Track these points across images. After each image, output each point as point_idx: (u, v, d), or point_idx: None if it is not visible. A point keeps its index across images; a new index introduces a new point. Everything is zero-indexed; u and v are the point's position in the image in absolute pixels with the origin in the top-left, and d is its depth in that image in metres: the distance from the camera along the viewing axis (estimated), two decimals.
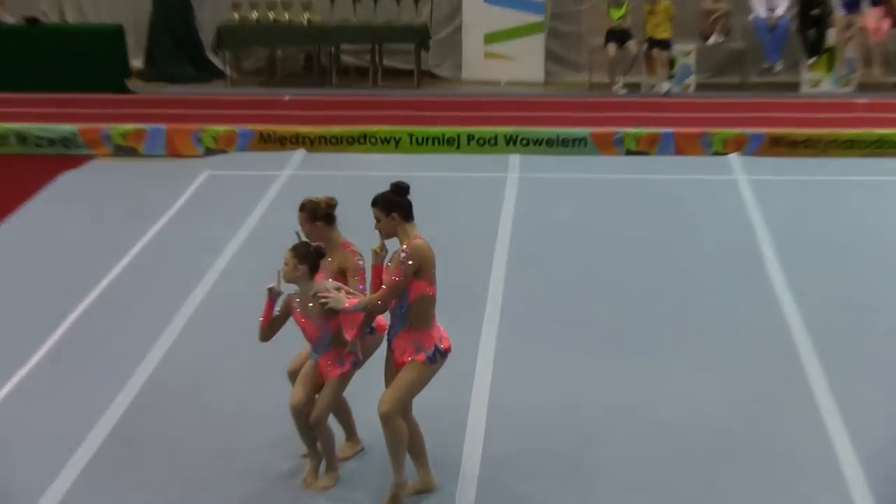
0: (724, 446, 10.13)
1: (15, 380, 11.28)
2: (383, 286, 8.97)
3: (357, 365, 9.53)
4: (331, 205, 10.10)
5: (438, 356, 9.06)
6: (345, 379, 9.47)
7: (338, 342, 9.40)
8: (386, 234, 8.98)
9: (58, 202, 16.69)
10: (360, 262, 10.00)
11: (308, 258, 9.13)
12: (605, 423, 10.70)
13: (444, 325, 10.50)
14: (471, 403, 11.05)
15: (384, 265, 9.19)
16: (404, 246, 8.94)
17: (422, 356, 8.95)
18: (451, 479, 9.67)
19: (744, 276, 14.16)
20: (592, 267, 14.44)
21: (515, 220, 15.90)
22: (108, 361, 11.68)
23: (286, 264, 8.95)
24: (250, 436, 10.34)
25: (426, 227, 14.38)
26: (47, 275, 14.02)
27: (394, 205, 9.07)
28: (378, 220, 9.01)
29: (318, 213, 10.00)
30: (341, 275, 9.98)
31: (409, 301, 8.85)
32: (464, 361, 11.44)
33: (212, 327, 12.59)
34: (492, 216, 15.97)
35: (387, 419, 8.96)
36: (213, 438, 10.38)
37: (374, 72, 23.04)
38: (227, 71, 23.19)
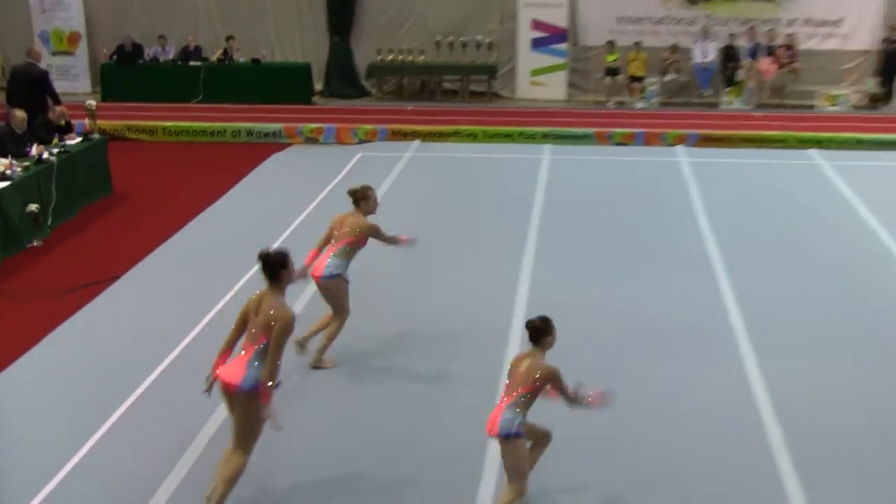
0: None
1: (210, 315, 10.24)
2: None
3: None
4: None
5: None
6: None
7: None
8: None
9: (270, 172, 16.65)
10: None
11: None
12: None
13: (490, 259, 11.01)
14: (515, 302, 10.56)
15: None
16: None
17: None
18: None
19: (676, 219, 13.90)
20: (600, 212, 14.32)
21: (547, 184, 15.77)
22: None
23: None
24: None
25: (490, 191, 14.82)
26: (264, 217, 13.85)
27: None
28: None
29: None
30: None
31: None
32: (508, 274, 11.43)
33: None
34: (532, 182, 15.85)
35: None
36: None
37: (462, 92, 22.42)
38: (373, 91, 22.66)
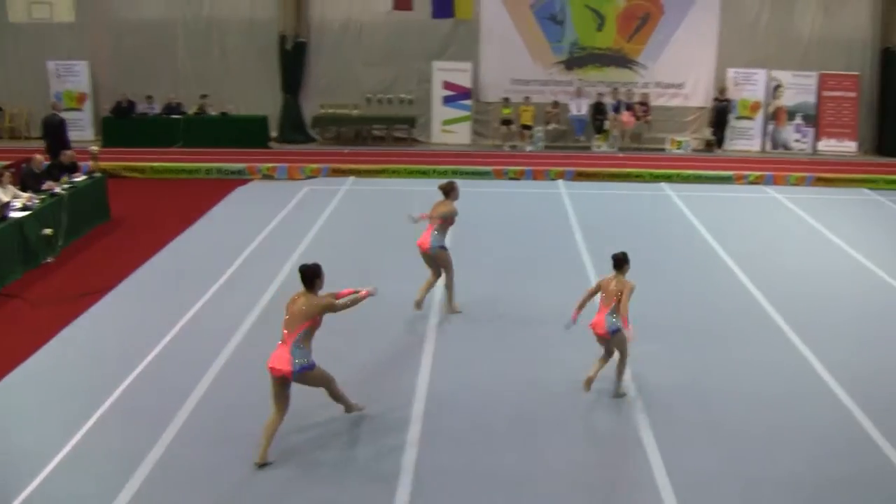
0: None
1: (178, 325, 9.91)
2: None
3: None
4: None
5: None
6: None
7: None
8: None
9: (235, 202, 16.45)
10: None
11: None
12: None
13: (413, 267, 10.37)
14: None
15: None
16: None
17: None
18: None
19: (557, 236, 13.85)
20: (499, 231, 14.21)
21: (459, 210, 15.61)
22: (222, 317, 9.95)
23: None
24: None
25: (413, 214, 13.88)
26: (231, 236, 13.69)
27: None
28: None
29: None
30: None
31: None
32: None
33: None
34: None
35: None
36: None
37: (388, 138, 22.25)
38: (317, 137, 22.43)
